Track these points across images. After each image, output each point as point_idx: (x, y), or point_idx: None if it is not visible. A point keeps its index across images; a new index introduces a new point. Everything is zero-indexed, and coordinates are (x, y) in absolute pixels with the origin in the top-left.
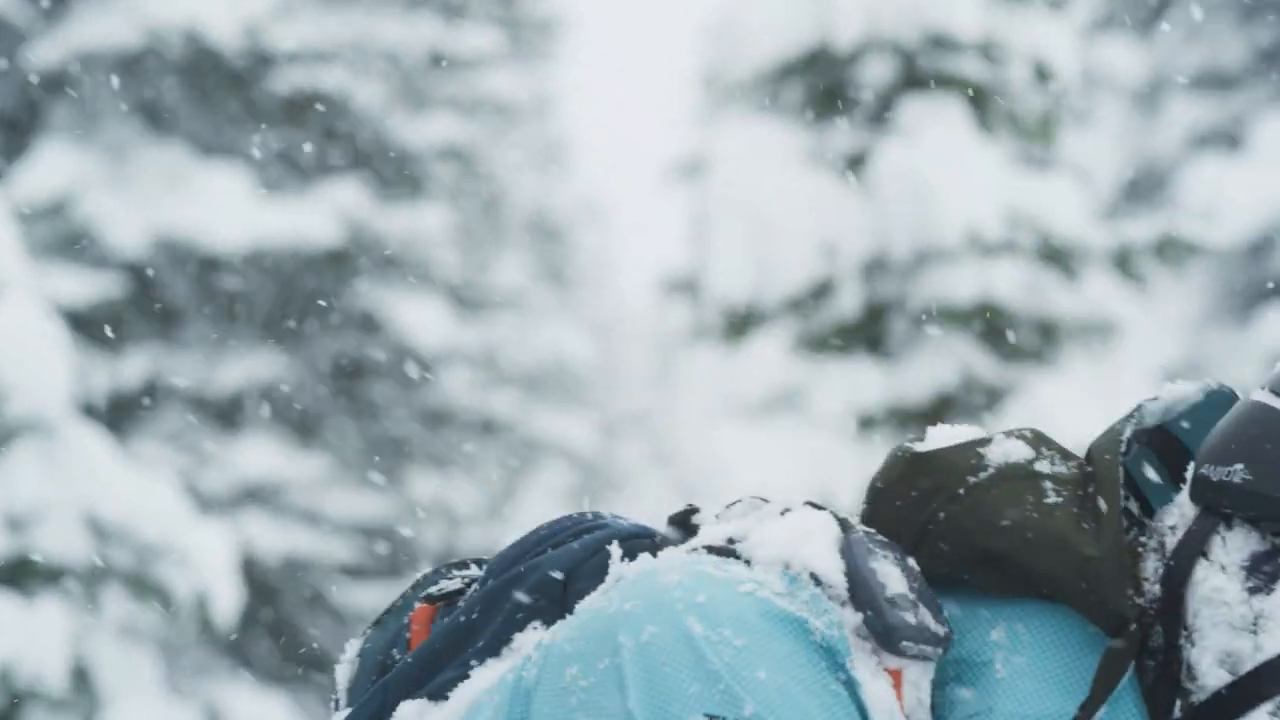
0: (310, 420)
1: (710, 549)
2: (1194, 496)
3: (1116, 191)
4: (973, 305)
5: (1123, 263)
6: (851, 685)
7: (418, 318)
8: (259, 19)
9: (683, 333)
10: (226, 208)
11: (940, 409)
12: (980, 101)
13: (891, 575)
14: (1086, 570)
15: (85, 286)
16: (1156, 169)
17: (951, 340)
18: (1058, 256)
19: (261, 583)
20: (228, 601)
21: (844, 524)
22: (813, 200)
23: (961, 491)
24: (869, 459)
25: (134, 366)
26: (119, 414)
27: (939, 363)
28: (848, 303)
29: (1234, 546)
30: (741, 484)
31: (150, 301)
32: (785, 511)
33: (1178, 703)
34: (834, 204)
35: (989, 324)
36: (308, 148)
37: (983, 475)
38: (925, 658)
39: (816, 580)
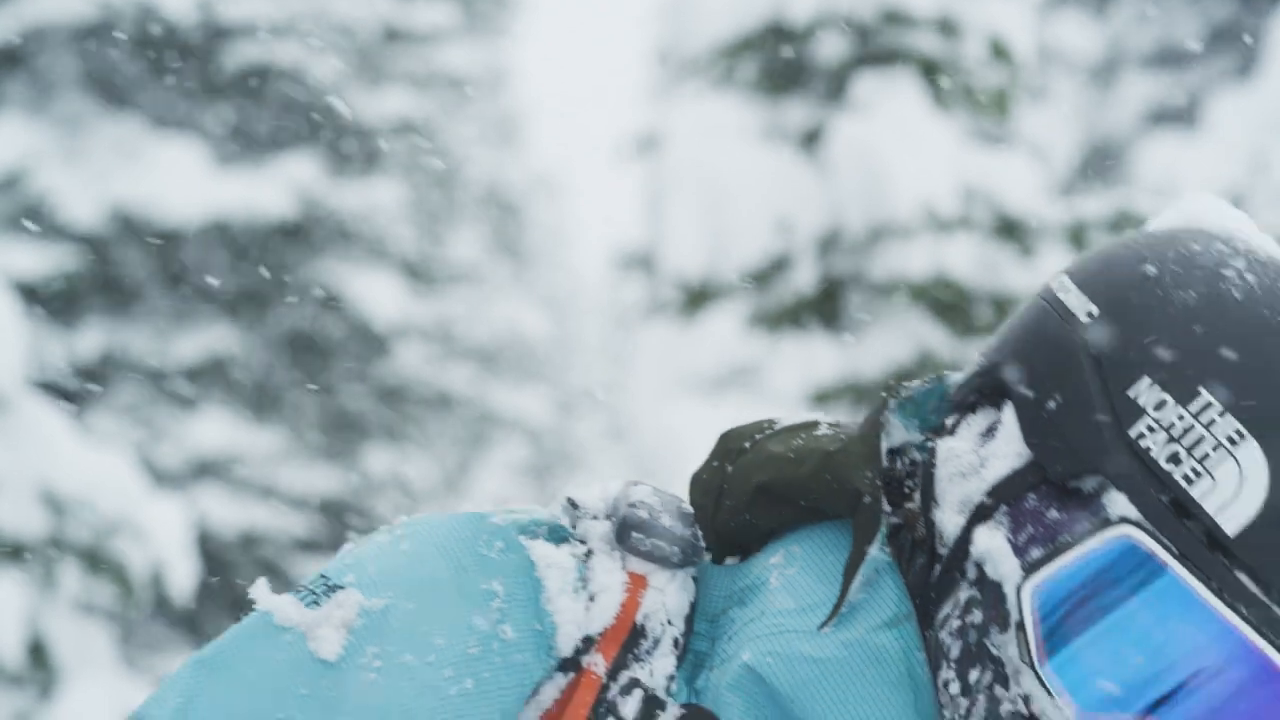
0: (266, 395)
1: None
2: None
3: (1072, 168)
4: (928, 280)
5: (1078, 239)
6: (513, 547)
7: (373, 292)
8: None
9: (638, 308)
10: (182, 181)
11: (895, 383)
12: (935, 77)
13: (642, 491)
14: (829, 463)
15: (41, 260)
16: (1111, 145)
17: (907, 315)
18: (1013, 232)
19: (217, 557)
20: (183, 576)
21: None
22: (768, 175)
23: (747, 445)
24: None
25: (90, 340)
26: (74, 388)
27: (894, 338)
28: (803, 278)
29: (975, 423)
30: (697, 458)
31: (106, 275)
32: None
33: (935, 569)
34: (789, 179)
35: (944, 299)
36: (263, 121)
37: (768, 432)
38: (663, 557)
39: (574, 504)
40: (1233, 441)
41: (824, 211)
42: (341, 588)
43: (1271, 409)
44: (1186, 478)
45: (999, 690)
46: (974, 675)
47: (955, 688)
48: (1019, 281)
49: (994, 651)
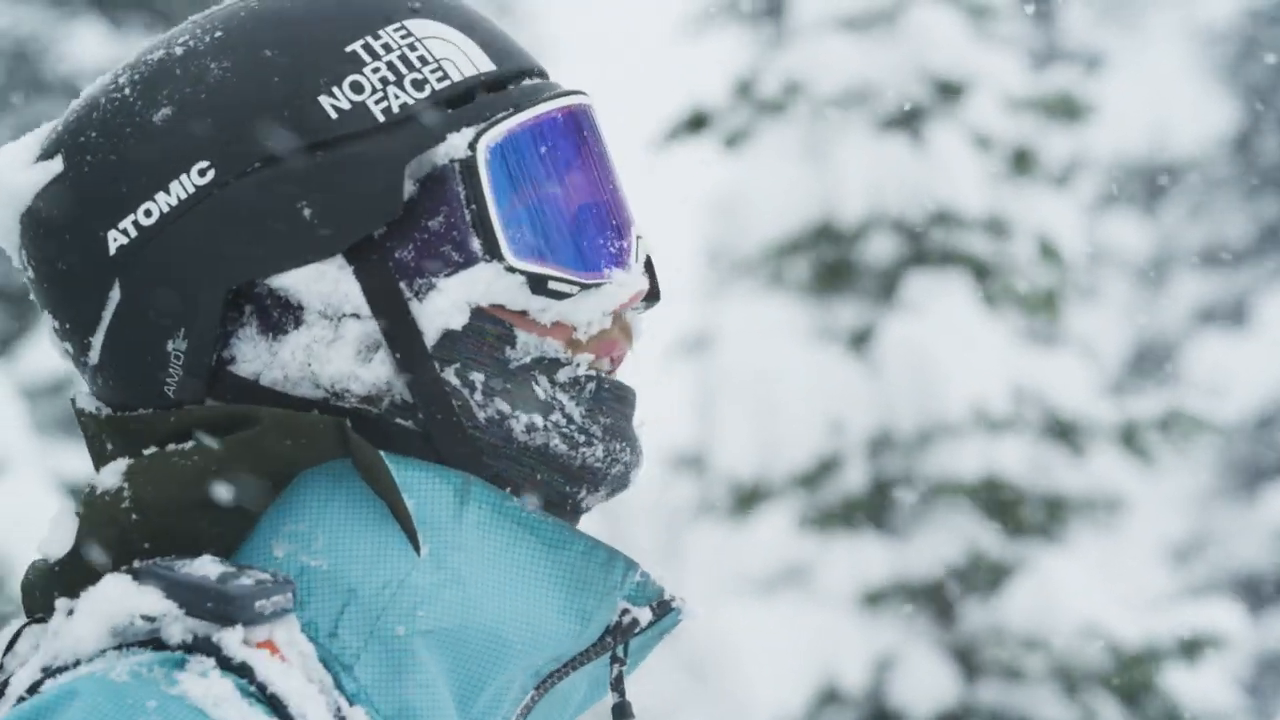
0: None
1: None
2: None
3: (1122, 367)
4: (979, 481)
5: (1129, 438)
6: (166, 706)
7: None
8: None
9: (689, 508)
10: None
11: (946, 583)
12: (985, 277)
13: (203, 564)
14: (266, 438)
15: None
16: (1162, 344)
17: (957, 516)
18: (1064, 432)
19: None
20: None
21: (134, 571)
22: (819, 376)
23: (108, 489)
24: (876, 634)
25: None
26: None
27: (945, 538)
28: (854, 478)
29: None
30: (748, 659)
31: None
32: (70, 612)
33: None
34: (840, 379)
35: (995, 499)
36: None
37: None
38: (282, 610)
39: (151, 620)
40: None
41: (874, 411)
42: None
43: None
44: (430, 80)
45: (543, 378)
46: (537, 397)
47: (556, 431)
48: (1070, 481)
49: (513, 365)
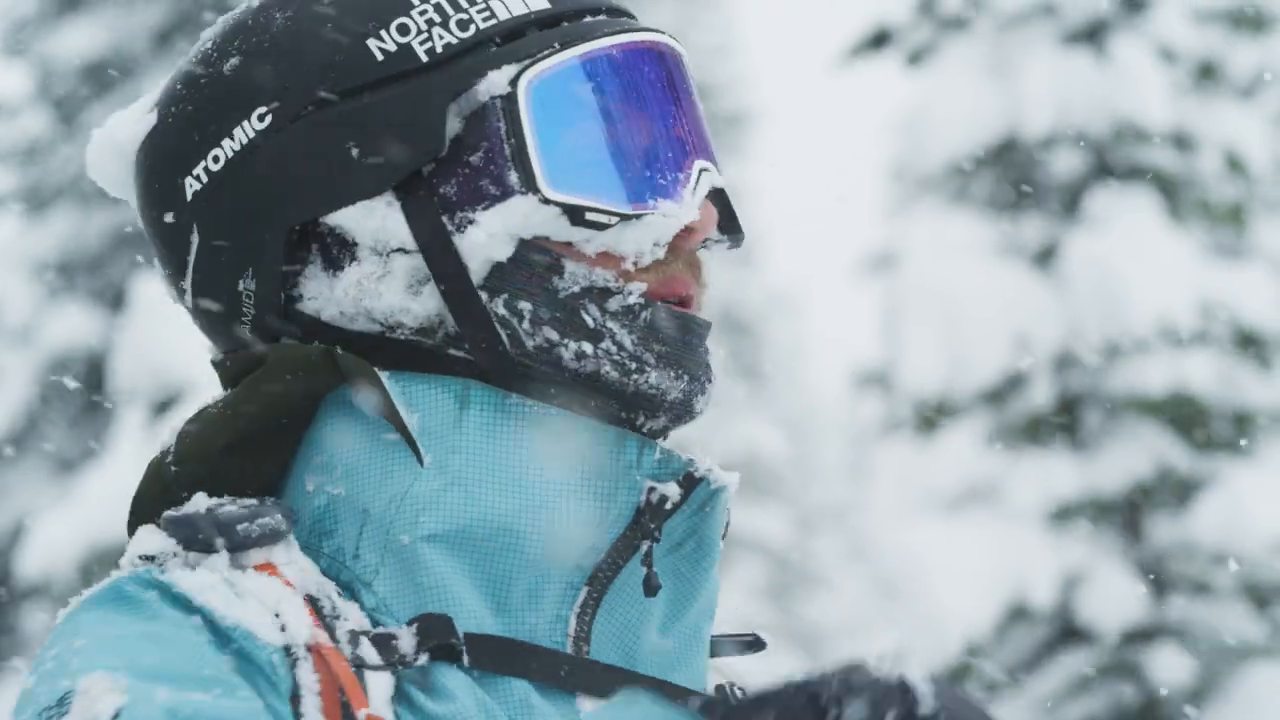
0: None
1: None
2: None
3: None
4: (1166, 396)
5: None
6: (152, 584)
7: None
8: None
9: (876, 425)
10: None
11: (1135, 499)
12: (1171, 191)
13: (196, 500)
14: (270, 376)
15: None
16: None
17: (1145, 431)
18: (1251, 346)
19: None
20: None
21: (159, 519)
22: (1004, 291)
23: (168, 452)
24: (1064, 550)
25: None
26: None
27: (1133, 454)
28: (1040, 394)
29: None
30: (937, 576)
31: None
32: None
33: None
34: (1025, 295)
35: (1183, 414)
36: None
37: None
38: (275, 531)
39: (150, 558)
40: None
41: (1060, 327)
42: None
43: None
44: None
45: (593, 306)
46: (588, 322)
47: (607, 358)
48: (1258, 395)
49: (561, 294)
